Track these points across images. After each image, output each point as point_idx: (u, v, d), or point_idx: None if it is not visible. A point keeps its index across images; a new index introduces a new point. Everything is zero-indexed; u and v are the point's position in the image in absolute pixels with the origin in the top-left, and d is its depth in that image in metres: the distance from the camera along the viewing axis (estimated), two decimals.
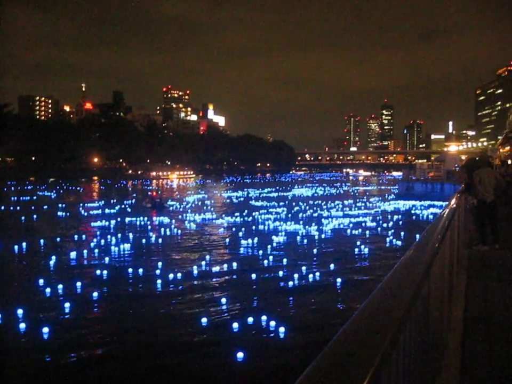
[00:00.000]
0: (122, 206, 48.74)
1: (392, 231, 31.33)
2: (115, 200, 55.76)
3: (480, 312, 7.46)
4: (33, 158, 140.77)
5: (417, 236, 25.15)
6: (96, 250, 23.92)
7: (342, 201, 54.34)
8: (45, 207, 47.17)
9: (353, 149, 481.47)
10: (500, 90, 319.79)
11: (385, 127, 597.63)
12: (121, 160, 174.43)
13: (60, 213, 41.95)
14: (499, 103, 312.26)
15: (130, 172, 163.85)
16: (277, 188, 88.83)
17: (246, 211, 41.59)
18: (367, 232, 30.82)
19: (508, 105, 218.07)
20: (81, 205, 49.11)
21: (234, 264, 20.43)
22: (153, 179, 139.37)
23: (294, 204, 51.34)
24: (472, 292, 8.55)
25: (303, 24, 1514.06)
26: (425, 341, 3.34)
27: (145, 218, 36.56)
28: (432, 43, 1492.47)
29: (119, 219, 36.35)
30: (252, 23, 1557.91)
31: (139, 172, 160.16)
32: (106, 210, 43.82)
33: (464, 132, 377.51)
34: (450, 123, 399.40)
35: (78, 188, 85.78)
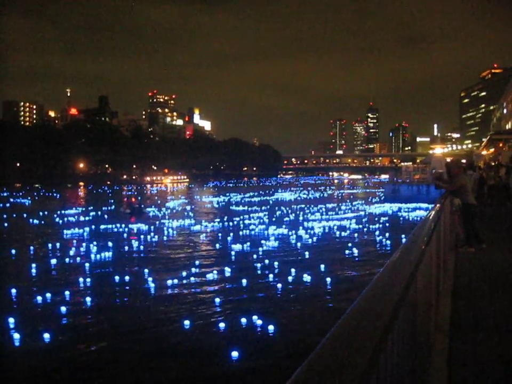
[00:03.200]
0: (100, 213, 47.34)
1: (378, 233, 31.38)
2: (93, 207, 53.96)
3: (467, 313, 7.51)
4: (18, 164, 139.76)
5: (403, 236, 25.30)
6: (63, 260, 22.74)
7: (325, 204, 53.90)
8: (16, 214, 45.11)
9: (339, 152, 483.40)
10: (483, 93, 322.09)
11: (371, 130, 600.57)
12: (107, 166, 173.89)
13: (31, 221, 39.97)
14: (483, 105, 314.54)
15: (125, 177, 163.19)
16: (260, 192, 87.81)
17: (226, 216, 40.90)
18: (349, 235, 30.61)
19: (491, 107, 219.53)
20: (56, 211, 47.06)
21: (213, 269, 20.21)
22: (147, 184, 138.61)
23: (276, 208, 50.49)
24: (458, 293, 8.62)
25: (288, 30, 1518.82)
26: (413, 342, 3.36)
27: (122, 225, 35.33)
28: (416, 47, 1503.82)
29: (93, 226, 35.13)
30: (238, 29, 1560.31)
31: (133, 177, 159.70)
32: (82, 218, 42.31)
33: (449, 134, 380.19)
34: (435, 126, 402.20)
35: (55, 194, 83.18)
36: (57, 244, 27.16)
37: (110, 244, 27.14)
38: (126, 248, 26.42)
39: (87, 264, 21.70)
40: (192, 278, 18.95)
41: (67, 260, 22.76)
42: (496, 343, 6.19)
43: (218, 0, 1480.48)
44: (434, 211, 7.33)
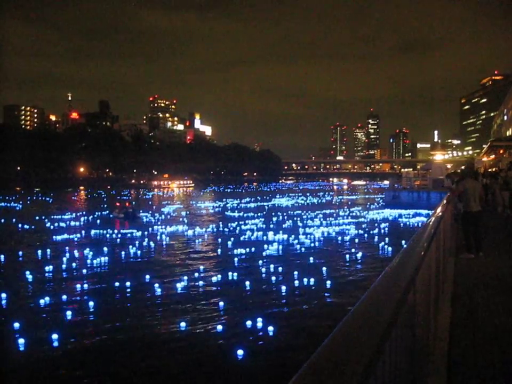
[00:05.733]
0: (92, 217, 46.20)
1: (376, 238, 31.29)
2: (85, 211, 52.93)
3: (466, 319, 7.49)
4: (18, 168, 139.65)
5: (403, 241, 25.22)
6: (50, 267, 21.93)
7: (322, 211, 53.07)
8: (4, 219, 44.07)
9: (339, 158, 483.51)
10: (484, 100, 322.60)
11: (372, 136, 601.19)
12: (107, 170, 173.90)
13: (19, 226, 38.82)
14: (483, 112, 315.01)
15: (133, 181, 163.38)
16: (258, 197, 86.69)
17: (219, 223, 40.29)
18: (348, 242, 30.36)
19: (492, 114, 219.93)
20: (47, 216, 45.66)
21: (203, 275, 20.24)
22: (154, 188, 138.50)
23: (272, 214, 49.61)
24: (458, 300, 8.60)
25: (289, 35, 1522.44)
26: (412, 348, 3.35)
27: (115, 231, 34.57)
28: (417, 54, 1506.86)
29: (83, 232, 34.34)
30: (239, 35, 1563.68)
31: (141, 181, 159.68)
32: (72, 223, 41.29)
33: (450, 140, 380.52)
34: (436, 132, 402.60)
35: (48, 199, 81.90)
36: (40, 250, 26.18)
37: (95, 250, 26.18)
38: (113, 255, 25.50)
39: (84, 271, 21.34)
40: (181, 284, 18.89)
41: (49, 268, 21.91)
42: (496, 350, 6.17)
43: (219, 6, 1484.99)
44: (434, 217, 7.33)
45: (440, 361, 5.69)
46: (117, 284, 18.61)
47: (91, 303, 15.85)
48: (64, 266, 22.50)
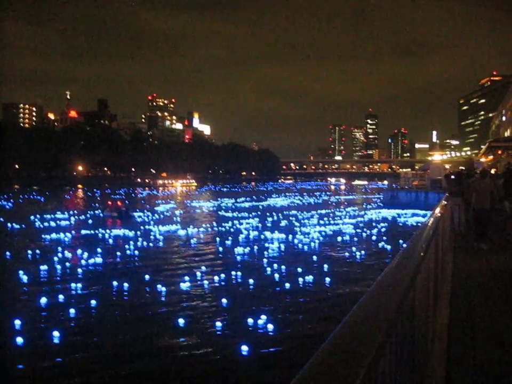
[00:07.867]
0: (84, 216, 45.58)
1: (375, 237, 31.24)
2: (78, 210, 52.39)
3: (464, 319, 7.49)
4: (16, 166, 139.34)
5: (401, 241, 25.19)
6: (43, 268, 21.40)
7: (318, 211, 52.64)
8: None
9: (338, 157, 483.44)
10: (482, 100, 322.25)
11: (370, 136, 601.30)
12: (106, 168, 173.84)
13: (8, 225, 37.69)
14: (482, 112, 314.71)
15: (139, 180, 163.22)
16: (253, 197, 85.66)
17: (214, 222, 40.03)
18: (343, 242, 30.09)
19: (490, 115, 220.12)
20: (38, 215, 44.43)
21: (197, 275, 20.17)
22: (159, 187, 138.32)
23: (267, 214, 49.08)
24: (456, 299, 8.60)
25: (288, 36, 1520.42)
26: (411, 349, 3.34)
27: (106, 230, 34.09)
28: (415, 54, 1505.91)
29: (73, 231, 33.77)
30: (238, 35, 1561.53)
31: (146, 180, 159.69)
32: (63, 222, 40.29)
33: (448, 141, 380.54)
34: (434, 132, 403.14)
35: (39, 197, 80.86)
36: (29, 251, 25.61)
37: (84, 250, 25.68)
38: (103, 254, 24.93)
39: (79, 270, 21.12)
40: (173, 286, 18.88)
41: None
42: (495, 350, 6.17)
43: (218, 5, 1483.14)
44: (433, 217, 7.33)
45: (438, 361, 5.69)
46: (112, 283, 18.50)
47: (85, 303, 15.82)
48: (51, 266, 21.85)
